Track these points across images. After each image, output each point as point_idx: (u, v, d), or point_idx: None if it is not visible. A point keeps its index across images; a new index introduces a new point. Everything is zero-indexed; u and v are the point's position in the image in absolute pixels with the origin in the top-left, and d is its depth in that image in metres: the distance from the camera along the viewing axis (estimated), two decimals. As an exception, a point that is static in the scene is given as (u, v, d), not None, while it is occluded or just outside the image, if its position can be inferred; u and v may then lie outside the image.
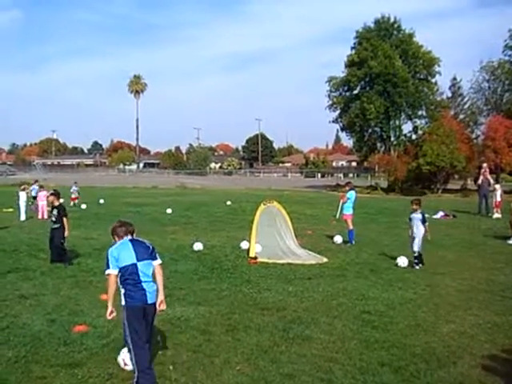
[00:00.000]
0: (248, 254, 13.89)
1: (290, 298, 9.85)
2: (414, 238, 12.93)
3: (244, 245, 15.05)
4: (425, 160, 44.19)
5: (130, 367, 6.11)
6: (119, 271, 5.96)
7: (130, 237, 6.28)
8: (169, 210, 26.82)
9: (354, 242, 16.30)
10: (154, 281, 6.13)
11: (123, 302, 5.94)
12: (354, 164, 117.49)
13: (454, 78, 55.33)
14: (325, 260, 13.58)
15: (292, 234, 14.96)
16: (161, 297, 6.11)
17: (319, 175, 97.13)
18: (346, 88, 53.94)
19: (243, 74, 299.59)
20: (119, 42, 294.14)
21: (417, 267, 12.64)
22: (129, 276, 5.93)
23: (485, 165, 28.67)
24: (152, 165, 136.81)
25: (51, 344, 7.14)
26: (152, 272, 6.14)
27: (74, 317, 8.43)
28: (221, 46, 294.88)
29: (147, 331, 5.95)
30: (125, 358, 6.26)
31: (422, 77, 51.28)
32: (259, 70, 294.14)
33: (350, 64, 52.03)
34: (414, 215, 13.12)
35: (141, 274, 5.97)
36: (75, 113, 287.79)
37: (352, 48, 53.33)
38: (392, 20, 52.06)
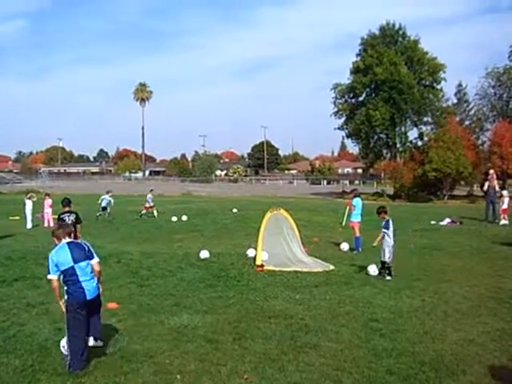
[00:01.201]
0: (254, 261, 13.85)
1: (296, 305, 9.82)
2: (384, 248, 12.51)
3: (250, 252, 15.01)
4: (431, 166, 44.08)
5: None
6: (61, 273, 6.66)
7: (68, 239, 6.87)
8: (174, 218, 26.82)
9: (360, 250, 16.22)
10: (94, 277, 6.87)
11: (65, 297, 6.70)
12: (359, 171, 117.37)
13: (460, 85, 55.45)
14: (331, 267, 13.52)
15: (299, 241, 14.92)
16: (99, 290, 6.99)
17: (325, 182, 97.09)
18: (351, 95, 54.04)
19: (248, 81, 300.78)
20: (125, 50, 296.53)
21: (388, 277, 12.17)
22: (69, 277, 6.64)
23: (491, 171, 28.54)
24: (158, 172, 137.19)
25: (58, 353, 7.11)
26: (91, 270, 6.84)
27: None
28: (226, 54, 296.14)
29: (88, 322, 6.75)
30: (65, 344, 6.83)
31: (427, 83, 51.32)
32: (264, 77, 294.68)
33: (356, 71, 52.14)
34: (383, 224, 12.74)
35: (79, 274, 6.65)
36: (81, 121, 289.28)
37: (357, 55, 53.52)
38: (397, 27, 52.22)
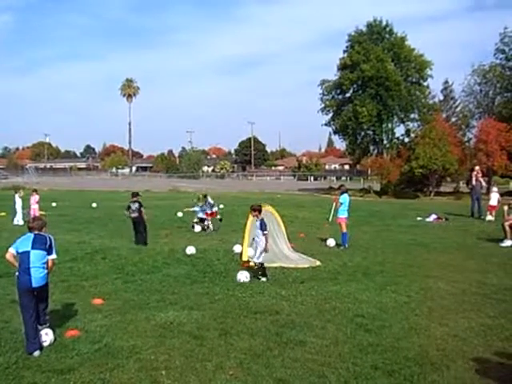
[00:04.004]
0: (241, 257, 13.85)
1: (282, 301, 9.82)
2: (256, 248, 12.11)
3: (237, 248, 15.01)
4: (417, 163, 44.30)
5: (49, 337, 7.35)
6: (18, 255, 7.25)
7: (36, 232, 7.47)
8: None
9: (347, 246, 16.27)
10: (45, 269, 7.33)
11: (16, 283, 7.29)
12: (346, 167, 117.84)
13: (446, 82, 55.53)
14: (318, 263, 13.54)
15: (285, 237, 14.94)
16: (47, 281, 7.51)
17: (312, 178, 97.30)
18: (338, 91, 54.01)
19: (236, 77, 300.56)
20: (112, 46, 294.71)
21: (263, 279, 11.63)
22: (22, 261, 7.20)
23: (477, 167, 28.70)
24: (145, 168, 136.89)
25: (43, 349, 7.08)
26: (44, 261, 7.31)
27: (66, 322, 8.37)
28: (214, 50, 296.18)
29: (36, 306, 7.28)
30: (47, 332, 7.41)
31: (414, 80, 51.43)
32: (252, 73, 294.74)
33: (343, 67, 52.13)
34: (256, 223, 12.25)
35: (31, 260, 7.19)
36: (68, 116, 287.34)
37: (344, 51, 53.41)
38: (384, 23, 52.18)
